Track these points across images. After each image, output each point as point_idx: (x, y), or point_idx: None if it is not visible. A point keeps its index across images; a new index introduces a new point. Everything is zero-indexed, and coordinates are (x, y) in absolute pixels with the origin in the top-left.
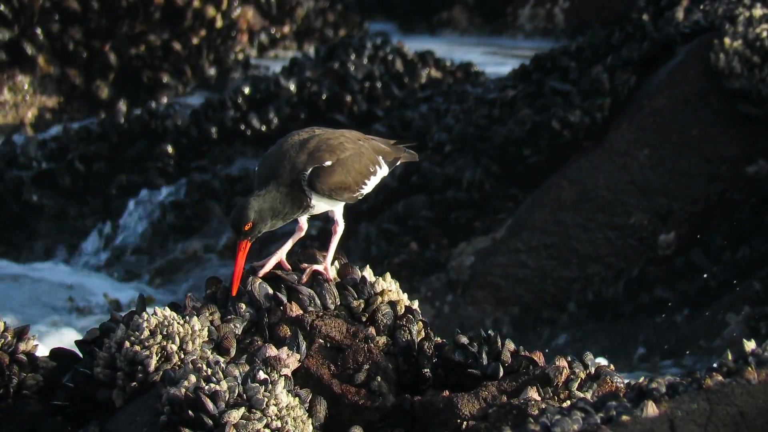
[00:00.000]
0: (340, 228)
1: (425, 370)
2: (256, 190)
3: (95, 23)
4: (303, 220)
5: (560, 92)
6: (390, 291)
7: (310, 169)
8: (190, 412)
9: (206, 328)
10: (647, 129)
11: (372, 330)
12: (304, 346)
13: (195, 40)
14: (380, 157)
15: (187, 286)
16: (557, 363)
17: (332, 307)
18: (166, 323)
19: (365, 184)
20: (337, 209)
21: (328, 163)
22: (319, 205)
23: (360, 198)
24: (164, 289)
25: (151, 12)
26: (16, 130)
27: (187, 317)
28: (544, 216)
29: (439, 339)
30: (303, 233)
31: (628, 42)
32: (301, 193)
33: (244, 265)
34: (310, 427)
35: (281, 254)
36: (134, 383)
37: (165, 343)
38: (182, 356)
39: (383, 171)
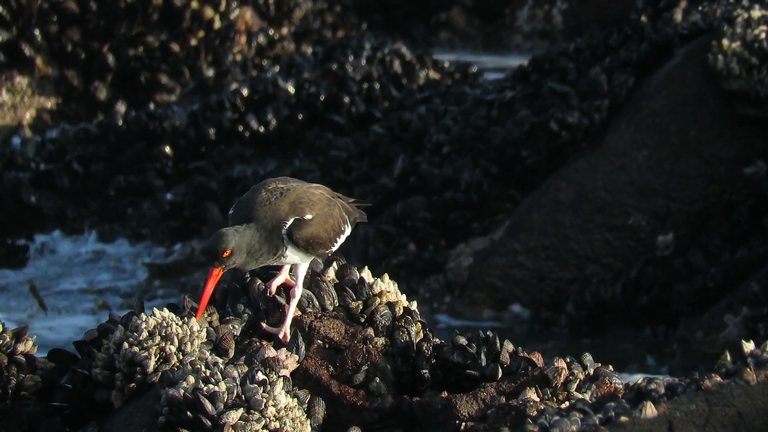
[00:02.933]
0: (298, 292)
1: (424, 371)
2: (231, 224)
3: (93, 24)
4: (298, 286)
5: (558, 93)
6: (388, 292)
7: (292, 220)
8: (188, 413)
9: (205, 329)
10: (645, 130)
11: (370, 331)
12: (302, 347)
13: (193, 42)
14: (347, 216)
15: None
16: (556, 364)
17: (331, 308)
18: (165, 324)
19: (337, 241)
20: (302, 268)
21: (309, 216)
22: (292, 256)
23: (328, 255)
24: (163, 290)
25: (149, 13)
26: (14, 131)
27: (186, 318)
28: (542, 217)
29: (437, 340)
30: (297, 296)
31: (626, 43)
32: (278, 241)
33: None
34: (309, 428)
35: (292, 314)
36: (133, 384)
37: (164, 344)
38: (181, 357)
39: (348, 231)
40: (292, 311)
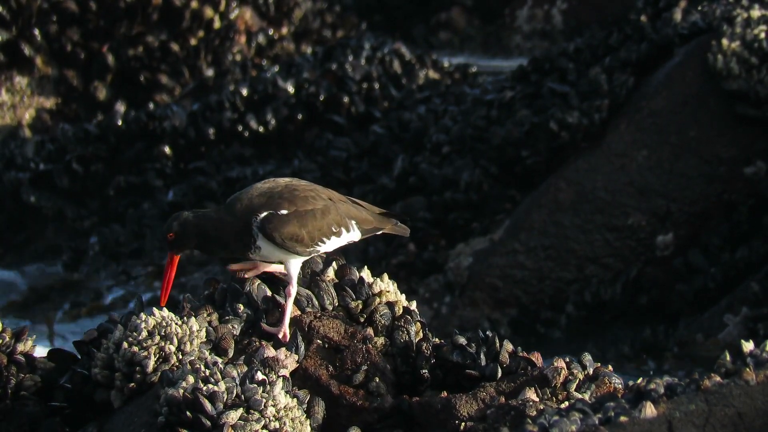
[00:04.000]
0: (293, 290)
1: (423, 371)
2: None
3: (93, 24)
4: (293, 284)
5: (558, 93)
6: (388, 292)
7: (264, 214)
8: (188, 413)
9: (204, 329)
10: (645, 130)
11: (370, 331)
12: (302, 346)
13: (193, 41)
14: (352, 222)
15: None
16: (555, 364)
17: (330, 307)
18: (164, 324)
19: (322, 242)
20: (293, 265)
21: (284, 211)
22: (269, 251)
23: (317, 255)
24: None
25: (149, 13)
26: (14, 131)
27: (185, 318)
28: (542, 217)
29: (437, 340)
30: (296, 288)
31: (626, 43)
32: (249, 233)
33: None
34: (308, 428)
35: (289, 313)
36: (132, 384)
37: (163, 344)
38: (180, 357)
39: (351, 235)
40: (289, 310)
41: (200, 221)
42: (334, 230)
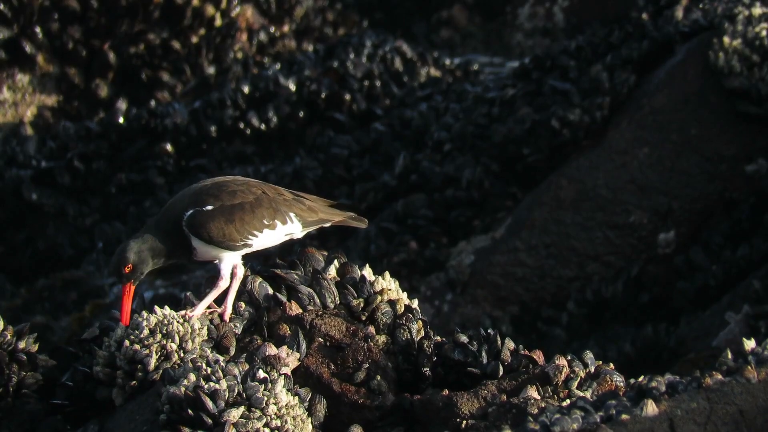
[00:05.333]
0: (223, 283)
1: (425, 369)
2: (141, 230)
3: (95, 22)
4: (238, 267)
5: (560, 91)
6: (389, 290)
7: (190, 212)
8: (189, 410)
9: (206, 327)
10: (647, 128)
11: (371, 329)
12: (303, 344)
13: (194, 39)
14: (290, 214)
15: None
16: (557, 362)
17: (332, 305)
18: (166, 322)
19: (253, 235)
20: (225, 260)
21: (209, 207)
22: (204, 249)
23: (251, 250)
24: (164, 289)
25: (150, 11)
26: (15, 128)
27: (188, 314)
28: (543, 215)
29: (438, 338)
30: (226, 283)
31: (627, 41)
32: (183, 235)
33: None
34: (310, 426)
35: (208, 302)
36: (134, 382)
37: (165, 341)
38: (182, 355)
39: (289, 228)
40: (209, 297)
41: (151, 243)
42: (266, 223)
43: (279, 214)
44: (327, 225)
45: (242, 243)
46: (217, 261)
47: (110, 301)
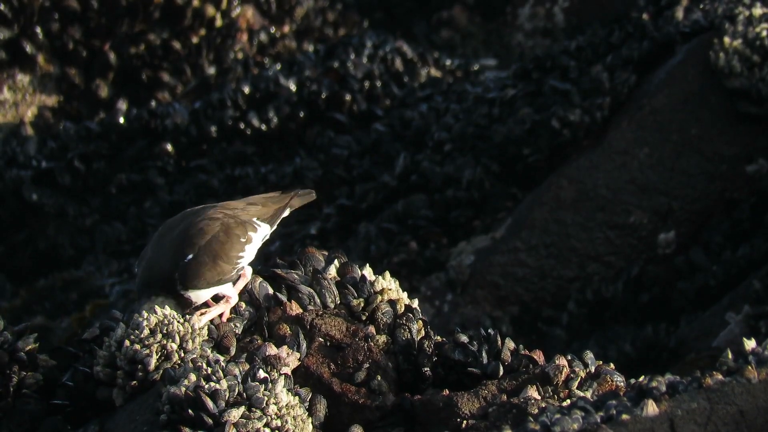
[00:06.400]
0: (232, 300)
1: (425, 369)
2: (138, 299)
3: (95, 22)
4: (247, 271)
5: (560, 91)
6: (390, 290)
7: (176, 275)
8: (190, 410)
9: (206, 327)
10: (647, 128)
11: (372, 329)
12: (304, 344)
13: (195, 40)
14: (254, 220)
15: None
16: (557, 362)
17: (332, 305)
18: (166, 322)
19: (240, 258)
20: (228, 289)
21: (190, 256)
22: (203, 295)
23: (238, 270)
24: None
25: (150, 11)
26: (15, 129)
27: (187, 316)
28: (543, 215)
29: (439, 338)
30: (236, 299)
31: (628, 41)
32: (180, 294)
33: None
34: (310, 426)
35: (215, 313)
36: (134, 382)
37: (165, 341)
38: (182, 355)
39: (261, 232)
40: (214, 311)
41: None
42: (243, 240)
43: (248, 226)
44: (286, 213)
45: (235, 270)
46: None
47: (110, 302)
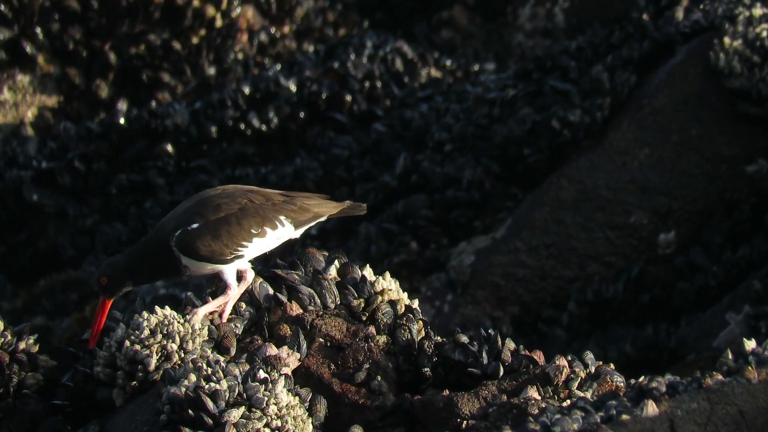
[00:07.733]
0: (231, 292)
1: (425, 369)
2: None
3: (95, 23)
4: (248, 272)
5: (560, 91)
6: (390, 290)
7: (177, 233)
8: (190, 411)
9: (206, 328)
10: (647, 128)
11: (372, 329)
12: (304, 345)
13: (195, 40)
14: (281, 217)
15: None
16: (557, 362)
17: (332, 306)
18: (167, 322)
19: (243, 246)
20: (225, 271)
21: (195, 225)
22: (197, 266)
23: (247, 258)
24: (165, 289)
25: (151, 11)
26: (16, 129)
27: (187, 316)
28: (544, 215)
29: (439, 338)
30: (235, 291)
31: (628, 41)
32: (173, 255)
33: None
34: (310, 427)
35: (213, 306)
36: (134, 382)
37: (165, 342)
38: (182, 355)
39: (281, 231)
40: (213, 303)
41: (129, 260)
42: (255, 232)
43: (267, 221)
44: (323, 219)
45: (233, 256)
46: (219, 273)
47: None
